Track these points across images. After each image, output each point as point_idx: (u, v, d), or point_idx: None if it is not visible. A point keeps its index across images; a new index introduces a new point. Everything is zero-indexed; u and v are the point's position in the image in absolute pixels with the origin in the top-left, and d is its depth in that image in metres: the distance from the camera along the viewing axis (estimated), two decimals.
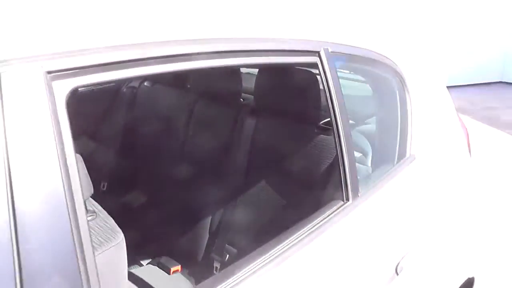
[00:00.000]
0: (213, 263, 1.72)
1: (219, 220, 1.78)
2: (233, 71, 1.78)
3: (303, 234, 0.99)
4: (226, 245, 1.71)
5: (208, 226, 1.80)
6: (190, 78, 1.97)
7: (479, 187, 2.02)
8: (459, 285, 1.50)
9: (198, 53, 0.81)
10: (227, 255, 1.71)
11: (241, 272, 0.87)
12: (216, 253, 1.73)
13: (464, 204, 1.58)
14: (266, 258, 0.92)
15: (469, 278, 1.59)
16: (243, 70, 2.01)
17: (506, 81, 7.61)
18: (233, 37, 0.92)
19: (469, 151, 1.72)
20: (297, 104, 1.56)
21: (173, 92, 2.09)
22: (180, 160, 1.90)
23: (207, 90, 1.86)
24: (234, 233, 1.70)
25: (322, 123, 1.59)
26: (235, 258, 1.59)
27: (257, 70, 1.71)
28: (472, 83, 7.08)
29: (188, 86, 2.05)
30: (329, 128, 1.55)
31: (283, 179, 1.59)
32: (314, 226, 1.02)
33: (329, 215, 1.05)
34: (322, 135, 1.54)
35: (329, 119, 1.55)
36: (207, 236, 1.79)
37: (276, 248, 0.94)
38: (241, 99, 1.97)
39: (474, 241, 1.70)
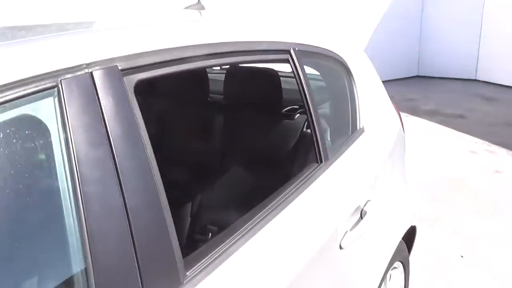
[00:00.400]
0: (198, 244, 1.94)
1: (199, 204, 2.02)
2: (201, 75, 2.04)
3: (289, 192, 1.26)
4: (208, 225, 1.95)
5: (189, 210, 2.03)
6: (163, 83, 2.18)
7: (410, 155, 2.40)
8: (406, 229, 1.86)
9: (199, 56, 1.06)
10: (210, 234, 1.94)
11: (230, 238, 1.01)
12: (199, 233, 1.97)
13: (401, 166, 1.95)
14: (256, 220, 1.08)
15: (412, 226, 1.96)
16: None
17: (421, 75, 8.36)
18: (228, 42, 1.18)
19: (403, 128, 2.10)
20: (262, 97, 1.86)
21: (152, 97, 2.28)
22: (161, 153, 2.12)
23: (179, 93, 2.09)
24: (215, 212, 1.95)
25: (284, 111, 1.90)
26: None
27: (222, 75, 1.98)
28: (393, 78, 7.72)
29: (161, 91, 2.26)
30: (291, 114, 1.86)
31: (255, 159, 1.87)
32: (298, 183, 1.31)
33: (309, 174, 1.35)
34: (285, 120, 1.84)
35: (290, 107, 1.88)
36: (189, 219, 2.02)
37: (266, 209, 1.14)
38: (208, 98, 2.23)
39: (413, 196, 2.08)
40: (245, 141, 1.88)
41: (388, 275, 1.86)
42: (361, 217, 1.45)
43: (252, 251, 1.03)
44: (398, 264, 1.93)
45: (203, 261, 0.91)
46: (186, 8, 1.89)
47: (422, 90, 7.35)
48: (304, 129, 1.78)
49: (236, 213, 1.20)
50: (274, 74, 1.79)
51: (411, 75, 8.26)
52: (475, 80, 7.91)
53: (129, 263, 0.76)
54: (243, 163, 1.89)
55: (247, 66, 1.86)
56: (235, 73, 1.91)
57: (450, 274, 2.69)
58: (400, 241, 1.82)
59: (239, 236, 1.02)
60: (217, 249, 0.96)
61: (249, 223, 1.07)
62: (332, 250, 1.28)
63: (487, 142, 4.88)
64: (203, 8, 1.91)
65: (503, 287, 2.58)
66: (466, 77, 7.90)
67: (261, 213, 1.13)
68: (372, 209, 1.47)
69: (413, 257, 2.49)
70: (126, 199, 0.77)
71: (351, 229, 1.36)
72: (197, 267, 0.90)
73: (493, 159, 4.46)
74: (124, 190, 0.77)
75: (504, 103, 6.47)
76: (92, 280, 0.71)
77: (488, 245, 2.98)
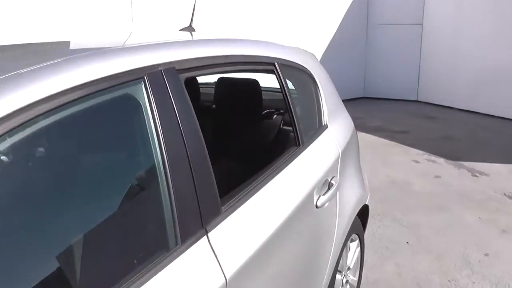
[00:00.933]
0: None
1: None
2: (193, 84, 2.48)
3: (278, 165, 1.70)
4: None
5: None
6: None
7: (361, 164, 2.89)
8: (362, 205, 2.34)
9: (218, 64, 1.50)
10: None
11: (239, 194, 1.39)
12: None
13: (356, 155, 2.44)
14: (254, 185, 1.47)
15: (365, 205, 2.44)
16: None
17: (367, 96, 9.08)
18: (235, 55, 1.63)
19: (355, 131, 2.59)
20: (246, 102, 2.31)
21: None
22: None
23: None
24: None
25: (264, 113, 2.36)
26: None
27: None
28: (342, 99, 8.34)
29: None
30: (270, 115, 2.33)
31: (242, 151, 2.31)
32: (283, 160, 1.75)
33: (290, 154, 1.80)
34: (265, 120, 2.30)
35: (268, 110, 2.34)
36: None
37: (260, 178, 1.54)
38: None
39: (366, 182, 2.57)
40: (233, 137, 2.32)
41: (347, 246, 2.32)
42: (329, 188, 1.90)
43: (256, 203, 1.46)
44: (355, 236, 2.40)
45: (228, 203, 1.34)
46: (181, 30, 2.33)
47: (368, 109, 8.01)
48: (281, 126, 2.24)
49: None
50: (255, 83, 2.24)
51: (357, 96, 8.94)
52: (417, 101, 8.69)
53: (192, 197, 1.19)
54: (232, 155, 2.33)
55: (234, 78, 2.30)
56: (224, 82, 2.36)
57: (398, 257, 3.19)
58: (356, 217, 2.29)
59: (245, 194, 1.44)
60: (233, 199, 1.38)
61: (249, 186, 1.49)
62: (312, 207, 1.73)
63: (428, 153, 5.51)
64: (194, 30, 2.36)
65: (442, 265, 3.09)
66: (408, 98, 8.67)
67: (256, 181, 1.55)
68: (335, 183, 1.93)
69: (366, 244, 2.98)
70: (189, 156, 1.20)
71: (323, 194, 1.82)
72: (227, 205, 1.32)
73: (433, 167, 5.07)
74: (187, 148, 1.20)
75: (442, 121, 7.21)
76: (174, 205, 1.13)
77: (430, 234, 3.51)
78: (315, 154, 1.93)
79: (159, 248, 1.13)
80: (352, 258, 2.39)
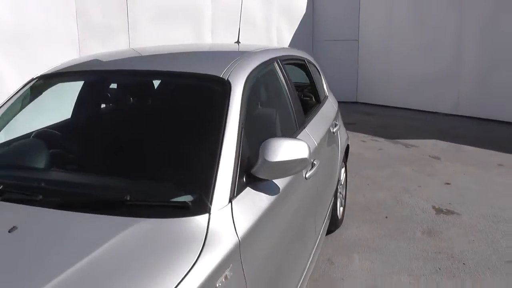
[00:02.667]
0: None
1: None
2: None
3: (313, 113, 3.24)
4: None
5: None
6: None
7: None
8: (347, 144, 3.93)
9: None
10: None
11: None
12: None
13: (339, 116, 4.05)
14: None
15: (348, 144, 4.04)
16: None
17: (358, 101, 10.61)
18: (292, 55, 3.17)
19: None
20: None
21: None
22: None
23: None
24: None
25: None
26: None
27: None
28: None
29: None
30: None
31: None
32: (314, 110, 3.29)
33: (316, 107, 3.35)
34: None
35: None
36: None
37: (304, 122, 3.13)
38: None
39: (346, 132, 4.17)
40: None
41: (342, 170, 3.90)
42: (335, 126, 3.48)
43: (307, 128, 2.98)
44: (342, 164, 3.98)
45: None
46: (235, 42, 3.83)
47: (360, 112, 9.47)
48: (302, 97, 3.80)
49: None
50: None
51: (351, 101, 10.34)
52: (356, 102, 10.53)
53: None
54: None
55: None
56: None
57: (363, 192, 4.81)
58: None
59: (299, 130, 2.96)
60: None
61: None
62: (332, 133, 3.29)
63: (371, 136, 7.26)
64: (239, 42, 3.87)
65: (391, 194, 4.73)
66: (349, 100, 10.48)
67: (305, 122, 3.08)
68: (338, 124, 3.51)
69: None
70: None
71: (334, 128, 3.39)
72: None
73: (376, 143, 6.81)
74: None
75: (379, 116, 9.05)
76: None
77: (381, 179, 5.17)
78: (327, 109, 3.50)
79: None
80: (342, 176, 3.98)
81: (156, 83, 2.64)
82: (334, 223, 3.72)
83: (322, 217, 2.89)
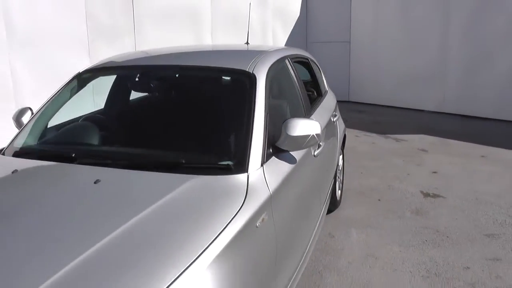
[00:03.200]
0: None
1: None
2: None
3: (316, 105, 3.70)
4: None
5: None
6: None
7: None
8: (344, 133, 4.41)
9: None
10: None
11: None
12: None
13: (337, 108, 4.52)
14: None
15: (344, 134, 4.52)
16: None
17: (350, 100, 11.10)
18: (298, 54, 3.64)
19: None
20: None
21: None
22: None
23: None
24: None
25: None
26: None
27: None
28: None
29: None
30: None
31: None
32: (317, 102, 3.76)
33: (319, 99, 3.83)
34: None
35: None
36: None
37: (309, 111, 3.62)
38: None
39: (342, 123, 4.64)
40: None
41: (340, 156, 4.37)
42: (335, 116, 3.96)
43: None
44: (340, 151, 4.45)
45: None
46: (245, 43, 4.29)
47: (352, 110, 9.95)
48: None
49: None
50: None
51: (344, 100, 10.82)
52: (348, 101, 11.04)
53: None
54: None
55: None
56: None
57: (358, 179, 5.29)
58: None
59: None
60: None
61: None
62: (332, 122, 3.77)
63: (364, 131, 7.76)
64: (248, 43, 4.33)
65: (384, 180, 5.22)
66: (342, 100, 10.95)
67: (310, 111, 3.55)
68: (337, 114, 3.98)
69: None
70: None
71: (334, 118, 3.87)
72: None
73: (369, 138, 7.31)
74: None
75: (371, 114, 9.56)
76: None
77: (374, 169, 5.65)
78: (327, 101, 3.98)
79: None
80: (340, 162, 4.45)
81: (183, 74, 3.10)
82: (333, 203, 4.19)
83: (326, 190, 3.37)
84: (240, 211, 1.81)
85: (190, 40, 8.78)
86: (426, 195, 4.76)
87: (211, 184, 1.94)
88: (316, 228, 2.96)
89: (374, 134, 7.54)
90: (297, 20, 10.88)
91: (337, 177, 4.22)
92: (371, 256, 3.50)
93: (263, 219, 1.92)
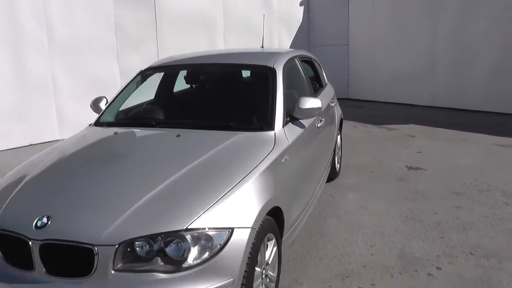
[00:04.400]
0: None
1: None
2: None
3: (318, 92, 4.78)
4: None
5: None
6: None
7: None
8: (341, 117, 5.49)
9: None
10: None
11: None
12: None
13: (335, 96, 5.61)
14: None
15: (342, 118, 5.60)
16: None
17: (350, 97, 12.15)
18: (304, 54, 4.72)
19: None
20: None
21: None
22: None
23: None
24: None
25: None
26: None
27: None
28: None
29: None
30: None
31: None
32: (319, 91, 4.84)
33: (321, 88, 4.91)
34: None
35: None
36: None
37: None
38: None
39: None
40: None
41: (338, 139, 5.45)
42: (333, 101, 5.04)
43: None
44: (337, 132, 5.52)
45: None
46: (261, 47, 5.38)
47: (351, 105, 11.05)
48: None
49: None
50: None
51: (343, 97, 11.75)
52: (348, 98, 12.11)
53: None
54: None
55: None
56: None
57: (354, 158, 6.36)
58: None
59: None
60: None
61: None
62: (330, 107, 4.85)
63: (361, 123, 8.83)
64: (263, 47, 5.42)
65: (375, 159, 6.29)
66: (342, 97, 12.00)
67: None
68: (335, 101, 5.07)
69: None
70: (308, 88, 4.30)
71: (332, 104, 4.95)
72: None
73: (365, 128, 8.38)
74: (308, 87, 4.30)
75: (368, 109, 10.63)
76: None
77: (368, 151, 6.72)
78: (327, 91, 5.06)
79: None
80: (338, 140, 5.52)
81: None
82: (333, 173, 5.26)
83: (327, 155, 4.48)
84: (271, 152, 2.90)
85: (205, 44, 9.88)
86: (410, 168, 5.83)
87: (251, 137, 3.03)
88: (321, 178, 4.06)
89: (370, 125, 8.61)
90: (300, 26, 11.99)
91: (336, 152, 5.29)
92: (363, 208, 4.57)
93: (285, 159, 3.00)
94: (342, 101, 11.47)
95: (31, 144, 7.81)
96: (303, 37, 12.12)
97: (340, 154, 5.72)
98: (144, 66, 4.27)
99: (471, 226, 4.05)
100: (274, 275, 2.80)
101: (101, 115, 3.79)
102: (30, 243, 2.20)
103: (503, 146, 6.70)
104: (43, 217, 2.26)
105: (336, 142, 5.28)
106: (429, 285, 3.15)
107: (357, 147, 6.92)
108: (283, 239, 2.96)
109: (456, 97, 9.85)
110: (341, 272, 3.32)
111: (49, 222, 2.23)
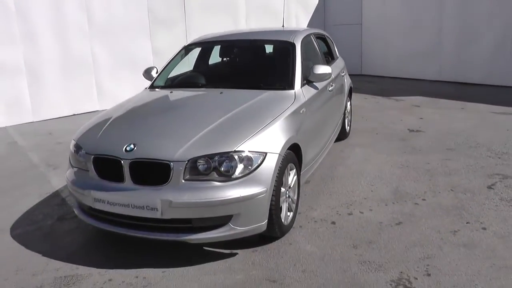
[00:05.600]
0: None
1: None
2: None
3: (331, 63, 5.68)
4: None
5: None
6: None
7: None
8: (350, 85, 6.38)
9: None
10: None
11: None
12: None
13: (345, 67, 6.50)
14: None
15: (351, 86, 6.49)
16: None
17: (363, 73, 13.03)
18: (319, 32, 5.60)
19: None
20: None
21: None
22: None
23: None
24: None
25: None
26: None
27: None
28: None
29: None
30: None
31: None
32: (331, 62, 5.73)
33: (333, 60, 5.81)
34: None
35: None
36: None
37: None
38: None
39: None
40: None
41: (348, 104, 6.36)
42: (343, 71, 5.93)
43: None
44: (347, 99, 6.42)
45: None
46: (282, 26, 6.27)
47: (364, 81, 12.01)
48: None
49: None
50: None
51: (357, 73, 12.64)
52: (361, 74, 12.93)
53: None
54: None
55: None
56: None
57: (363, 123, 7.26)
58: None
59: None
60: None
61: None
62: (341, 75, 5.76)
63: (371, 95, 9.68)
64: (284, 26, 6.31)
65: (383, 124, 7.17)
66: (356, 73, 12.88)
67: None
68: (345, 71, 5.96)
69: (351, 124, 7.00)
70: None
71: (342, 73, 5.85)
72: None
73: (374, 99, 9.24)
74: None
75: (379, 83, 11.45)
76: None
77: (375, 117, 7.60)
78: (338, 63, 5.95)
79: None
80: (348, 106, 6.42)
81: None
82: (344, 134, 6.17)
83: (338, 115, 5.42)
84: (292, 105, 3.82)
85: (228, 25, 10.77)
86: (411, 130, 6.72)
87: (277, 94, 3.97)
88: (332, 132, 5.01)
89: (379, 97, 9.47)
90: (316, 7, 12.80)
91: (346, 115, 6.19)
92: (367, 159, 5.49)
93: (303, 110, 3.94)
94: (356, 76, 12.33)
95: (74, 114, 8.87)
96: (319, 17, 12.93)
97: (350, 118, 6.62)
98: (180, 44, 5.22)
99: (456, 172, 4.95)
100: (294, 198, 3.74)
101: (154, 80, 4.75)
102: (122, 162, 3.16)
103: (497, 113, 7.53)
104: (130, 144, 3.22)
105: (346, 106, 6.17)
106: (414, 209, 4.06)
107: (366, 115, 7.81)
108: (301, 172, 3.90)
109: (460, 72, 10.62)
110: (346, 202, 4.26)
111: (135, 148, 3.19)
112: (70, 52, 8.66)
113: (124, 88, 8.96)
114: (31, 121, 8.39)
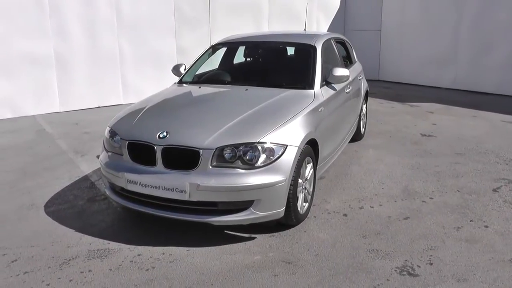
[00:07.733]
0: None
1: None
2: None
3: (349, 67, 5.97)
4: None
5: None
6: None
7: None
8: (367, 89, 6.66)
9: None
10: None
11: None
12: None
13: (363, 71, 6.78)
14: None
15: (367, 90, 6.77)
16: None
17: (380, 79, 13.24)
18: (339, 37, 5.90)
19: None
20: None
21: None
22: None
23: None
24: None
25: None
26: None
27: None
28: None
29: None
30: None
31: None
32: (349, 66, 6.03)
33: (351, 64, 6.10)
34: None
35: None
36: None
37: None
38: None
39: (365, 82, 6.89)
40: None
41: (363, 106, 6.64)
42: (360, 75, 6.22)
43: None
44: (363, 102, 6.69)
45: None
46: (304, 30, 6.58)
47: (381, 86, 12.28)
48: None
49: None
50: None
51: (374, 79, 12.77)
52: (378, 80, 13.17)
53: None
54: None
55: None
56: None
57: (379, 126, 7.52)
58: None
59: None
60: None
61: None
62: (358, 79, 6.04)
63: (387, 100, 9.93)
64: (306, 30, 6.61)
65: (397, 127, 7.43)
66: (373, 79, 13.10)
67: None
68: (362, 75, 6.25)
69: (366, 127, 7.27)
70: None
71: (359, 77, 6.14)
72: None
73: (390, 104, 9.49)
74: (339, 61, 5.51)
75: (395, 89, 11.69)
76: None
77: (390, 121, 7.85)
78: (356, 67, 6.24)
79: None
80: (364, 108, 6.69)
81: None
82: (358, 136, 6.46)
83: (354, 115, 5.70)
84: (311, 103, 4.13)
85: (251, 27, 11.10)
86: (424, 135, 6.97)
87: (298, 93, 4.29)
88: (348, 132, 5.31)
89: (394, 102, 9.72)
90: (337, 12, 13.07)
91: (361, 117, 6.47)
92: (380, 160, 5.77)
93: (321, 109, 4.24)
94: (373, 82, 12.58)
95: (99, 107, 9.26)
96: (339, 22, 13.20)
97: (365, 121, 6.90)
98: (208, 43, 5.55)
99: (463, 175, 5.20)
100: (310, 190, 4.04)
101: (183, 76, 5.09)
102: (155, 147, 3.49)
103: (508, 122, 7.75)
104: (163, 131, 3.55)
105: (362, 109, 6.45)
106: (422, 206, 4.33)
107: (381, 119, 8.07)
108: (317, 166, 4.20)
109: (474, 81, 10.83)
110: (358, 197, 4.55)
111: (168, 135, 3.51)
112: (98, 46, 9.05)
113: (148, 84, 9.33)
114: (58, 111, 8.79)
